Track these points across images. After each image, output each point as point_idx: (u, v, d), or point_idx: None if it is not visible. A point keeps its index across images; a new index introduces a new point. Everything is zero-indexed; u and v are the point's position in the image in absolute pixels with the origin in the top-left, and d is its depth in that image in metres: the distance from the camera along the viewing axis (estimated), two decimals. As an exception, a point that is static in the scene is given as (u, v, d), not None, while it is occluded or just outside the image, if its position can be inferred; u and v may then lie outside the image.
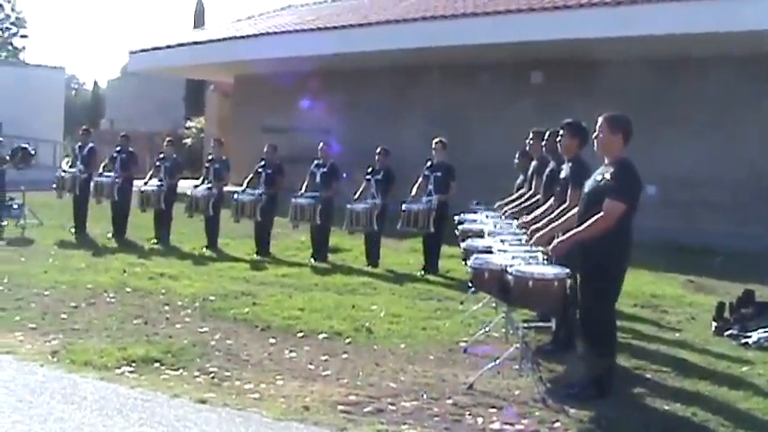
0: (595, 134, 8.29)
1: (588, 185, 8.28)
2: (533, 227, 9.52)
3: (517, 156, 14.16)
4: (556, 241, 8.16)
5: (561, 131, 9.93)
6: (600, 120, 8.27)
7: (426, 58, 26.47)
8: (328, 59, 28.40)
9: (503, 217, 12.57)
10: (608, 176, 7.94)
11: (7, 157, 20.81)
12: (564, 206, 9.28)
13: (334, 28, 28.26)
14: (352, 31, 27.32)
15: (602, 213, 7.78)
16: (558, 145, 10.07)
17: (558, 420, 7.43)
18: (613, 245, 7.82)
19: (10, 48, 76.56)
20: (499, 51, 24.26)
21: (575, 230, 7.96)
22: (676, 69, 22.33)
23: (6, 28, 76.70)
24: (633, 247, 8.12)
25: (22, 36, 78.03)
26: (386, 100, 28.51)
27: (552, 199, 10.28)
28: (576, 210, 8.57)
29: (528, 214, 11.02)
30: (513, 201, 13.27)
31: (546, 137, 11.31)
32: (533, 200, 11.71)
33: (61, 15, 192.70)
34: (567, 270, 8.10)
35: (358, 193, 16.65)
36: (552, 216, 9.43)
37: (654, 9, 20.19)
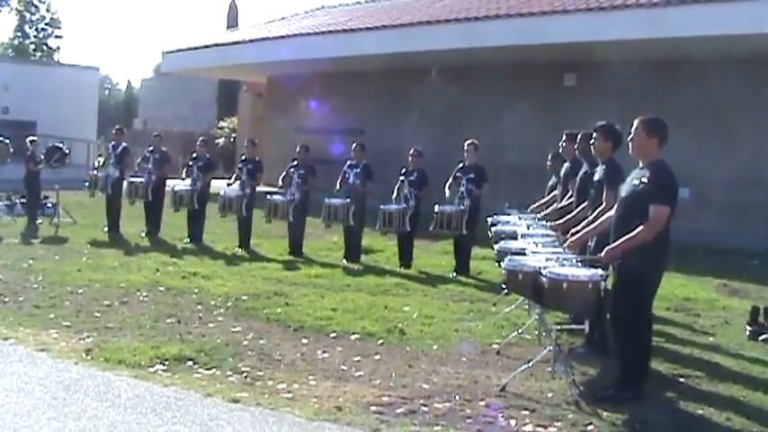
0: (630, 137, 8.25)
1: (624, 189, 8.23)
2: (572, 232, 9.44)
3: (549, 157, 14.13)
4: (607, 249, 8.06)
5: (595, 134, 9.89)
6: (636, 123, 8.22)
7: (460, 58, 26.42)
8: (362, 60, 28.44)
9: (539, 220, 12.51)
10: (645, 180, 7.89)
11: (42, 157, 20.96)
12: (600, 209, 9.24)
13: (368, 29, 28.30)
14: (386, 32, 27.33)
15: (649, 221, 7.72)
16: (592, 147, 10.03)
17: (591, 423, 7.40)
18: (650, 249, 7.76)
19: (45, 48, 76.89)
20: (532, 53, 24.21)
21: (626, 237, 7.85)
22: (713, 71, 22.11)
23: (41, 29, 77.03)
24: (670, 250, 8.07)
25: (56, 37, 78.30)
26: (418, 100, 28.47)
27: (585, 202, 10.25)
28: (610, 212, 8.55)
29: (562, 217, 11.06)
30: (547, 203, 13.27)
31: (578, 139, 11.29)
32: (568, 203, 11.63)
33: (95, 16, 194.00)
34: (602, 272, 8.06)
35: (394, 195, 16.61)
36: (589, 219, 9.39)
37: (688, 11, 20.07)
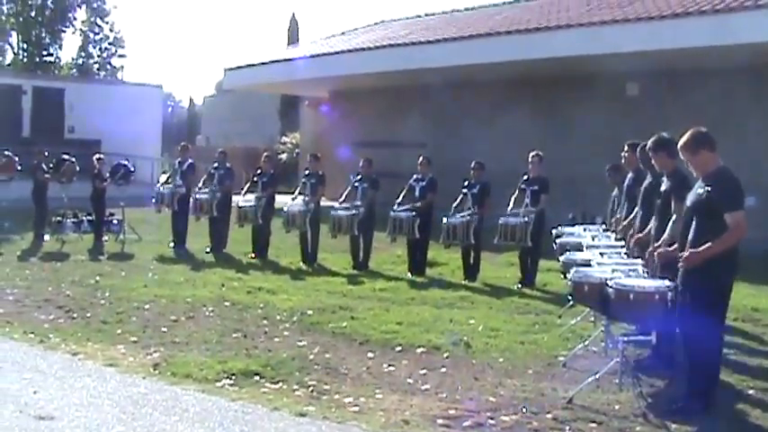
0: (685, 163, 8.21)
1: (690, 199, 8.16)
2: (650, 251, 9.26)
3: (607, 170, 14.06)
4: (691, 251, 7.95)
5: (651, 152, 9.76)
6: (679, 151, 8.18)
7: (520, 70, 26.35)
8: (421, 74, 28.45)
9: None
10: (710, 189, 7.81)
11: (107, 175, 21.21)
12: (672, 221, 9.13)
13: (428, 42, 28.30)
14: (445, 45, 27.32)
15: (729, 229, 7.66)
16: (656, 164, 9.90)
17: (659, 436, 7.34)
18: (720, 258, 7.69)
19: (109, 67, 77.78)
20: (594, 63, 24.06)
21: (708, 245, 7.73)
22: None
23: (105, 48, 77.94)
24: (739, 259, 7.97)
25: (120, 56, 79.06)
26: (480, 113, 28.40)
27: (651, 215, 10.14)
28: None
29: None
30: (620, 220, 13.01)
31: (640, 150, 11.15)
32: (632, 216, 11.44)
33: (158, 35, 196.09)
34: (669, 283, 7.98)
35: (454, 207, 16.56)
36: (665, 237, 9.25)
37: (753, 16, 19.82)
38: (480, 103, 28.50)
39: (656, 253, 8.92)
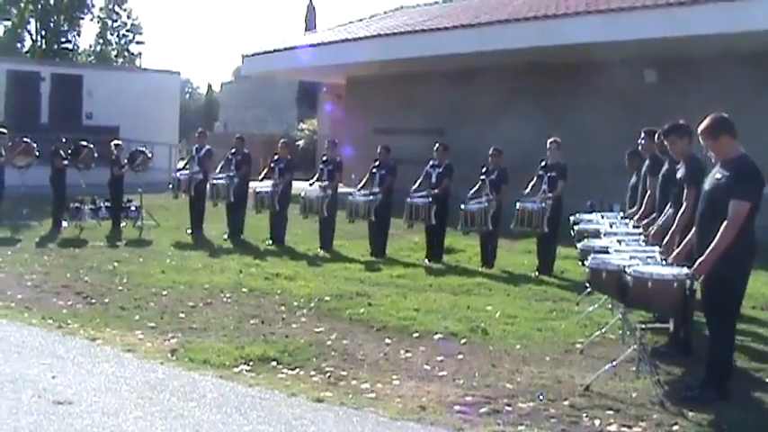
0: (705, 148, 8.17)
1: (708, 184, 8.12)
2: (674, 251, 9.18)
3: (626, 155, 14.01)
4: (698, 262, 7.90)
5: (667, 140, 9.72)
6: (699, 136, 8.13)
7: (538, 56, 26.25)
8: (440, 60, 28.39)
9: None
10: (727, 174, 7.78)
11: (125, 161, 21.25)
12: (683, 209, 9.10)
13: (446, 29, 28.20)
14: (464, 31, 27.20)
15: (728, 219, 7.62)
16: (671, 151, 9.85)
17: (676, 423, 7.33)
18: (736, 246, 7.65)
19: (127, 54, 77.94)
20: (612, 49, 23.96)
21: (711, 247, 7.70)
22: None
23: (123, 35, 78.13)
24: (756, 248, 7.94)
25: (138, 42, 79.26)
26: (497, 99, 28.32)
27: (669, 204, 10.10)
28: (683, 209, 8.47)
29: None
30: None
31: (657, 137, 11.09)
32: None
33: (176, 22, 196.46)
34: (687, 271, 7.95)
35: (471, 193, 16.53)
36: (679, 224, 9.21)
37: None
38: (497, 89, 28.38)
39: (672, 255, 8.84)
